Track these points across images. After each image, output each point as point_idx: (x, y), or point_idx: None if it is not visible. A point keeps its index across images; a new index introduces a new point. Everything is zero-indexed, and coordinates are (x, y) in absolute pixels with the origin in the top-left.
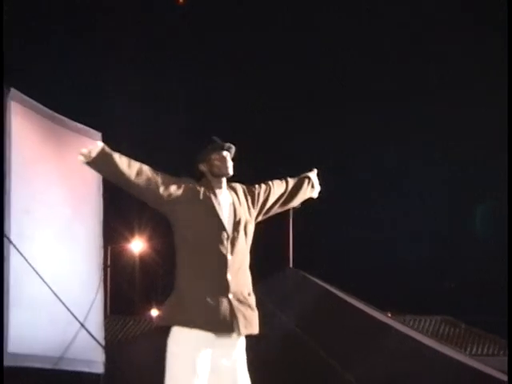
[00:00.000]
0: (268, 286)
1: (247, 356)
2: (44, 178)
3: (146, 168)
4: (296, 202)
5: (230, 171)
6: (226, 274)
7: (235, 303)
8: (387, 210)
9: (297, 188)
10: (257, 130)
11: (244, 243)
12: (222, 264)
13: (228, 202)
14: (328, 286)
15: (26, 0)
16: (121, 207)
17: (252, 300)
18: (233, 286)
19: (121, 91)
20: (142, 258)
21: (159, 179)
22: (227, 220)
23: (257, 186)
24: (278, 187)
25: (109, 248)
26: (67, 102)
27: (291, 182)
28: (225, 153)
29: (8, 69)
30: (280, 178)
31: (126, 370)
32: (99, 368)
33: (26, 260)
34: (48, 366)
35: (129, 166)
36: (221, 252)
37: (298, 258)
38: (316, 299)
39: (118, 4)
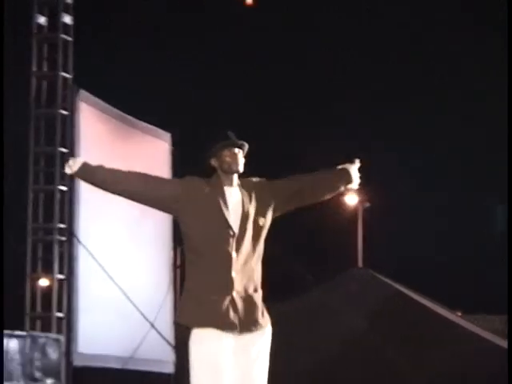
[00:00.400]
0: (335, 285)
1: (312, 353)
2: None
3: (135, 175)
4: (331, 194)
5: (240, 168)
6: (230, 271)
7: (238, 301)
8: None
9: (330, 181)
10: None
11: (251, 240)
12: (226, 261)
13: (236, 198)
14: (397, 286)
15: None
16: None
17: (258, 296)
18: (237, 284)
19: (189, 93)
20: None
21: (152, 183)
22: (233, 217)
23: (281, 180)
24: (305, 181)
25: (178, 249)
26: (136, 102)
27: (324, 174)
28: (236, 150)
29: (78, 70)
30: (313, 171)
31: None
32: (169, 368)
33: (96, 260)
34: (118, 365)
35: (114, 178)
36: (225, 250)
37: (366, 257)
38: (385, 298)
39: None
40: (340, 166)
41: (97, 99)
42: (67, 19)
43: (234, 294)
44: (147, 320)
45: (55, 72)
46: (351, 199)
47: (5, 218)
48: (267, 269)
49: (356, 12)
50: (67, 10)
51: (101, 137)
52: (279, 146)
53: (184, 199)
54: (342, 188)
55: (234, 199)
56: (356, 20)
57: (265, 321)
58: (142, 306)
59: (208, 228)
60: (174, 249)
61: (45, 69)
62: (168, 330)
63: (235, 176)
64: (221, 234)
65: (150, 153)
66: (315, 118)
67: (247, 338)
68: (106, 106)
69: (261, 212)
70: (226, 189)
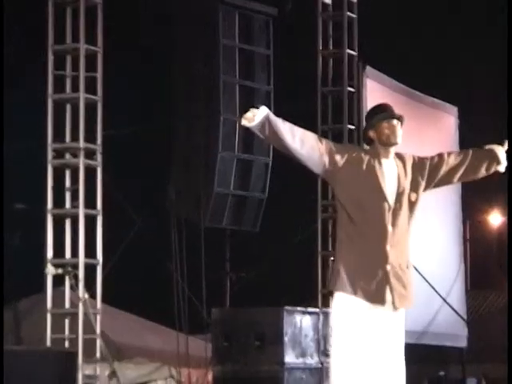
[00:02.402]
0: None
1: None
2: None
3: (310, 135)
4: (476, 175)
5: (399, 140)
6: (385, 245)
7: (391, 275)
8: None
9: (477, 161)
10: None
11: (406, 215)
12: (382, 235)
13: (393, 171)
14: None
15: None
16: (478, 180)
17: (409, 274)
18: (391, 258)
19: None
20: (499, 230)
21: (323, 147)
22: (390, 191)
23: (430, 157)
24: (453, 159)
25: (467, 221)
26: (423, 77)
27: (471, 154)
28: (395, 121)
29: (363, 47)
30: (461, 150)
31: (488, 345)
32: (463, 342)
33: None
34: (411, 340)
35: (292, 134)
36: (382, 223)
37: None
38: None
39: None
40: (488, 147)
41: (383, 75)
42: None
43: (388, 267)
44: (439, 295)
45: (341, 50)
46: None
47: (297, 199)
48: None
49: None
50: None
51: None
52: None
53: (346, 169)
54: (491, 171)
55: (391, 172)
56: None
57: (412, 300)
58: (434, 280)
59: (365, 199)
60: (464, 222)
61: (330, 47)
62: (461, 305)
63: (393, 148)
64: (377, 205)
65: (438, 127)
66: None
67: (394, 314)
68: (393, 81)
69: (413, 188)
70: (384, 161)
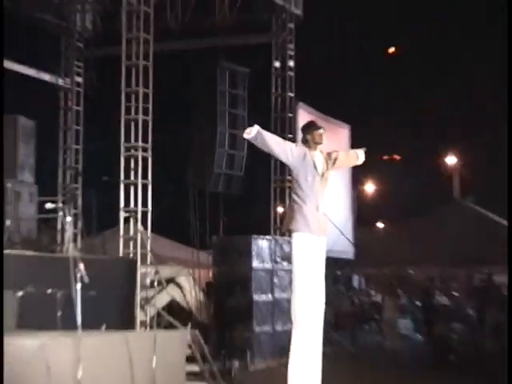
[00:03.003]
0: None
1: None
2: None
3: (281, 140)
4: (350, 164)
5: (324, 141)
6: (317, 200)
7: (321, 217)
8: None
9: (350, 157)
10: None
11: (326, 181)
12: (317, 195)
13: (320, 159)
14: None
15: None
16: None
17: (326, 217)
18: (320, 207)
19: None
20: (372, 196)
21: (287, 146)
22: (319, 169)
23: (333, 151)
24: (341, 155)
25: (355, 188)
26: (330, 106)
27: (348, 152)
28: (322, 130)
29: (298, 91)
30: (347, 150)
31: (368, 257)
32: (351, 255)
33: None
34: None
35: (273, 140)
36: (317, 188)
37: None
38: None
39: None
40: (355, 150)
41: (307, 106)
42: None
43: (320, 213)
44: (338, 228)
45: (284, 93)
46: None
47: (261, 177)
48: None
49: None
50: None
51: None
52: None
53: (299, 157)
54: (356, 163)
55: (319, 159)
56: None
57: (327, 232)
58: (338, 221)
59: (308, 174)
60: (353, 187)
61: (279, 90)
62: (350, 233)
63: (320, 146)
64: (314, 178)
65: (338, 135)
66: None
67: (323, 240)
68: (312, 109)
69: (328, 167)
70: (315, 153)
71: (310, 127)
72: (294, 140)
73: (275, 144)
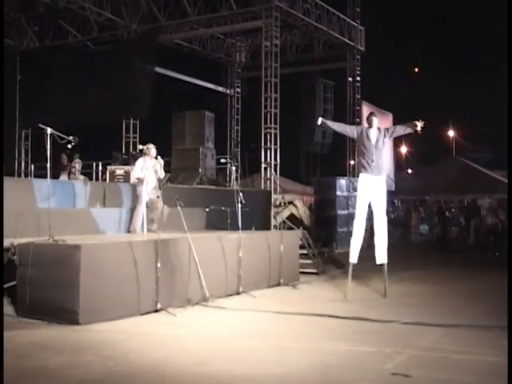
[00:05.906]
0: None
1: None
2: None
3: (347, 125)
4: (404, 133)
5: (375, 123)
6: (372, 155)
7: (375, 165)
8: None
9: (404, 127)
10: None
11: (381, 149)
12: (372, 152)
13: (374, 133)
14: None
15: None
16: None
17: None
18: (374, 159)
19: None
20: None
21: (348, 128)
22: (373, 139)
23: (387, 127)
24: (394, 128)
25: None
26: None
27: (400, 125)
28: (374, 117)
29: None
30: (395, 125)
31: None
32: (393, 188)
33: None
34: None
35: (339, 126)
36: (371, 148)
37: None
38: None
39: None
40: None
41: (369, 103)
42: None
43: (375, 160)
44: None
45: (355, 95)
46: None
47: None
48: None
49: None
50: None
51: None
52: None
53: (359, 134)
54: (412, 131)
55: (375, 133)
56: None
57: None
58: None
59: (366, 143)
60: None
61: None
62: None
63: (374, 125)
64: (370, 145)
65: (385, 119)
66: None
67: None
68: (371, 105)
69: (384, 139)
70: (372, 130)
71: (368, 116)
72: (360, 122)
73: (343, 127)
